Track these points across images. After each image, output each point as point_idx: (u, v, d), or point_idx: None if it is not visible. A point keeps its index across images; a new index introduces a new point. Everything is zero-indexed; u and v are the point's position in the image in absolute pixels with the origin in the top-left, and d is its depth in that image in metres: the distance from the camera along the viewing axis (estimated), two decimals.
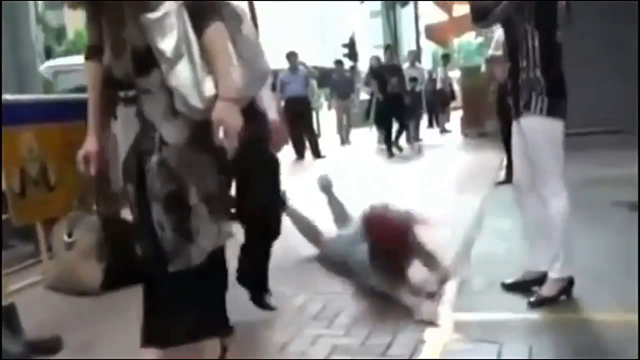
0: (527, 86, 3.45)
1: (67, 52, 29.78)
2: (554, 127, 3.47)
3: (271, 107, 3.46)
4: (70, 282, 3.75)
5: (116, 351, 3.32)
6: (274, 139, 3.48)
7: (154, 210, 2.49)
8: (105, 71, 2.65)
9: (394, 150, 12.80)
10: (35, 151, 3.65)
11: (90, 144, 2.76)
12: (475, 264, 4.38)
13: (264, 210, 3.43)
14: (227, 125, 2.45)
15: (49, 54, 20.32)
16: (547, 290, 3.52)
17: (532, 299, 3.50)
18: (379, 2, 34.26)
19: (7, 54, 6.70)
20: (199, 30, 2.52)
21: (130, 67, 2.54)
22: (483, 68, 9.05)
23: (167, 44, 2.47)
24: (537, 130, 3.47)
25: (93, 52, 2.72)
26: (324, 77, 18.54)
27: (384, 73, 13.02)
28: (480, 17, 3.62)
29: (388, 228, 3.78)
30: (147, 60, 2.51)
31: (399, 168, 10.85)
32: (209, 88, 2.49)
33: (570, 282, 3.52)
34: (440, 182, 8.57)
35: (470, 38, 16.08)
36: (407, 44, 33.83)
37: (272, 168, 3.51)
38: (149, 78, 2.53)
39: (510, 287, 3.69)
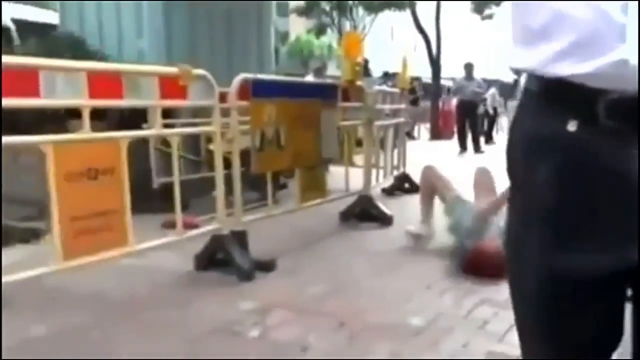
0: None
1: (289, 53, 31.11)
2: None
3: None
4: None
5: (314, 275, 3.59)
6: None
7: None
8: None
9: None
10: (273, 118, 3.86)
11: None
12: None
13: None
14: None
15: (276, 52, 21.46)
16: None
17: None
18: None
19: (253, 44, 7.26)
20: None
21: None
22: None
23: None
24: None
25: None
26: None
27: None
28: None
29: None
30: None
31: None
32: None
33: None
34: None
35: None
36: None
37: None
38: None
39: None
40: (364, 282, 3.47)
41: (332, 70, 15.78)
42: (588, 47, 0.87)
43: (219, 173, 3.62)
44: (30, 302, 2.99)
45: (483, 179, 4.25)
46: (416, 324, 2.77)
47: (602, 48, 0.86)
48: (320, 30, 22.78)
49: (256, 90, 3.73)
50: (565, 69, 0.89)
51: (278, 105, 3.90)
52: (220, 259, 3.62)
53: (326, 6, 20.78)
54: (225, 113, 3.68)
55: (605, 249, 0.89)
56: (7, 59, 2.61)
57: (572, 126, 0.90)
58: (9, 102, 2.51)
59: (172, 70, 3.21)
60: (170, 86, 3.18)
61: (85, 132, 2.80)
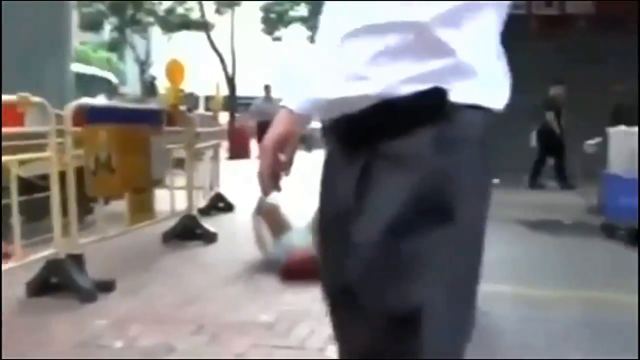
0: None
1: None
2: None
3: None
4: None
5: (158, 290, 3.88)
6: None
7: None
8: None
9: None
10: (105, 143, 4.08)
11: None
12: None
13: None
14: None
15: None
16: None
17: None
18: None
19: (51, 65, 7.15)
20: None
21: None
22: None
23: None
24: None
25: None
26: None
27: None
28: None
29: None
30: None
31: None
32: None
33: None
34: None
35: None
36: None
37: None
38: None
39: None
40: (207, 292, 3.87)
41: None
42: None
43: (55, 197, 3.75)
44: None
45: None
46: (266, 319, 3.26)
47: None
48: (112, 47, 22.24)
49: (91, 116, 3.95)
50: None
51: (110, 130, 4.14)
52: (54, 283, 3.71)
53: (116, 22, 20.45)
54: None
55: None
56: None
57: (330, 147, 1.18)
58: None
59: (11, 97, 3.34)
60: (10, 113, 3.31)
61: None
